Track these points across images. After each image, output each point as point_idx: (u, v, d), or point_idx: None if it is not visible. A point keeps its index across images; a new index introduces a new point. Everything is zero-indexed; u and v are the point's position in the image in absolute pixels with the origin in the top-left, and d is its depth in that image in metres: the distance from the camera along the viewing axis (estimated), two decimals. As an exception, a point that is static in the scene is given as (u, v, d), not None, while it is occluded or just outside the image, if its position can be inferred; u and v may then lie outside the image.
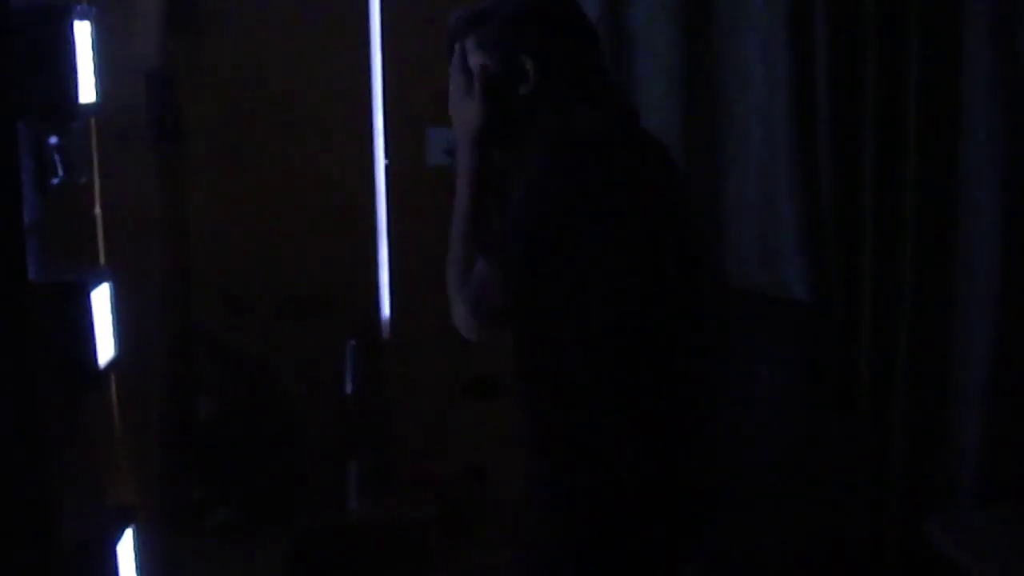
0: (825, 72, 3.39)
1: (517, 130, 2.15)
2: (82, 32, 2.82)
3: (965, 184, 3.43)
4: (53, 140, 2.84)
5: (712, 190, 3.52)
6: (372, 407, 3.95)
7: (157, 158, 3.79)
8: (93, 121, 3.18)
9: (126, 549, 3.06)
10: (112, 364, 3.03)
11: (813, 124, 3.42)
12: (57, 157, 2.85)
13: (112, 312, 3.00)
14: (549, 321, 2.08)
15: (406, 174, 3.95)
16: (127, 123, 3.42)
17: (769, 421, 3.41)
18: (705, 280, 2.30)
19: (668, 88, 3.46)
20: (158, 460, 3.77)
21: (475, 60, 2.14)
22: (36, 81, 2.68)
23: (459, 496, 4.04)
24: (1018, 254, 3.40)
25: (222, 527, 3.86)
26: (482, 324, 2.04)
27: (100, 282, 2.95)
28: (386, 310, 4.01)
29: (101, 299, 2.93)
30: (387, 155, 3.95)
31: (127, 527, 3.08)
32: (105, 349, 2.94)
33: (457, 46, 2.16)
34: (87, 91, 2.86)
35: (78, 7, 2.82)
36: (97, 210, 3.25)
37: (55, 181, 2.85)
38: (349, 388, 3.90)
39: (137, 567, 3.14)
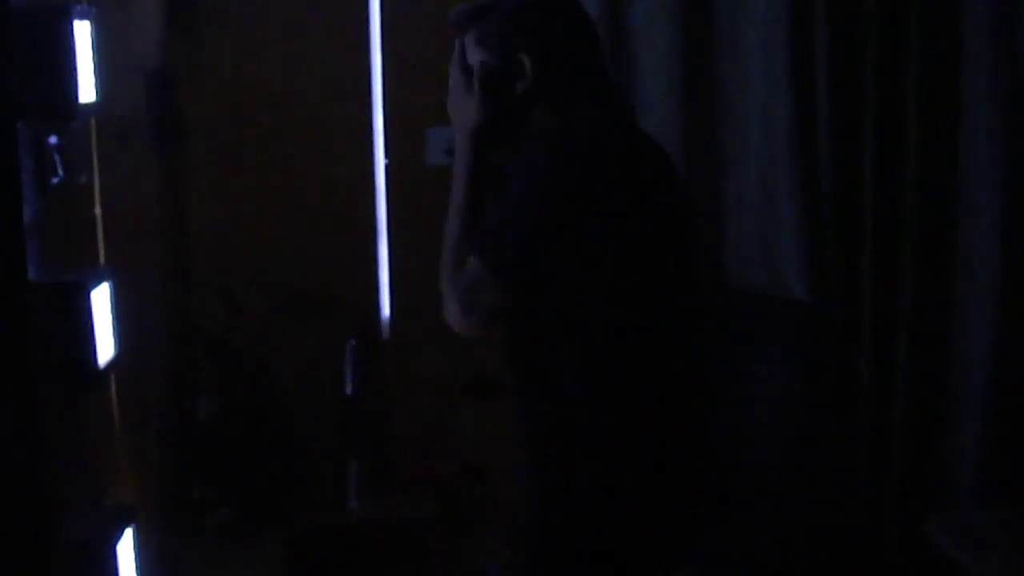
0: (825, 72, 3.39)
1: (514, 128, 2.14)
2: (82, 32, 2.82)
3: (965, 184, 3.42)
4: (53, 140, 2.84)
5: (712, 190, 3.52)
6: (372, 407, 3.95)
7: (157, 158, 3.79)
8: (93, 121, 3.18)
9: (126, 549, 3.06)
10: (112, 364, 3.03)
11: (813, 124, 3.42)
12: (57, 157, 2.85)
13: (112, 312, 3.00)
14: (542, 321, 2.07)
15: (406, 174, 3.95)
16: (127, 123, 3.42)
17: (769, 421, 3.41)
18: (702, 280, 2.30)
19: (668, 88, 3.46)
20: (158, 460, 3.78)
21: (474, 56, 2.14)
22: (36, 81, 2.69)
23: (459, 496, 4.04)
24: (1018, 254, 3.39)
25: (222, 527, 3.86)
26: (474, 322, 2.04)
27: (100, 282, 2.95)
28: (386, 310, 4.01)
29: (101, 299, 2.93)
30: (387, 155, 3.95)
31: (127, 527, 3.08)
32: (105, 349, 2.95)
33: (457, 42, 2.16)
34: (87, 91, 2.86)
35: (78, 7, 2.82)
36: (97, 210, 3.25)
37: (55, 181, 2.85)
38: (349, 388, 3.90)
39: (137, 567, 3.14)
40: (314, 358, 3.95)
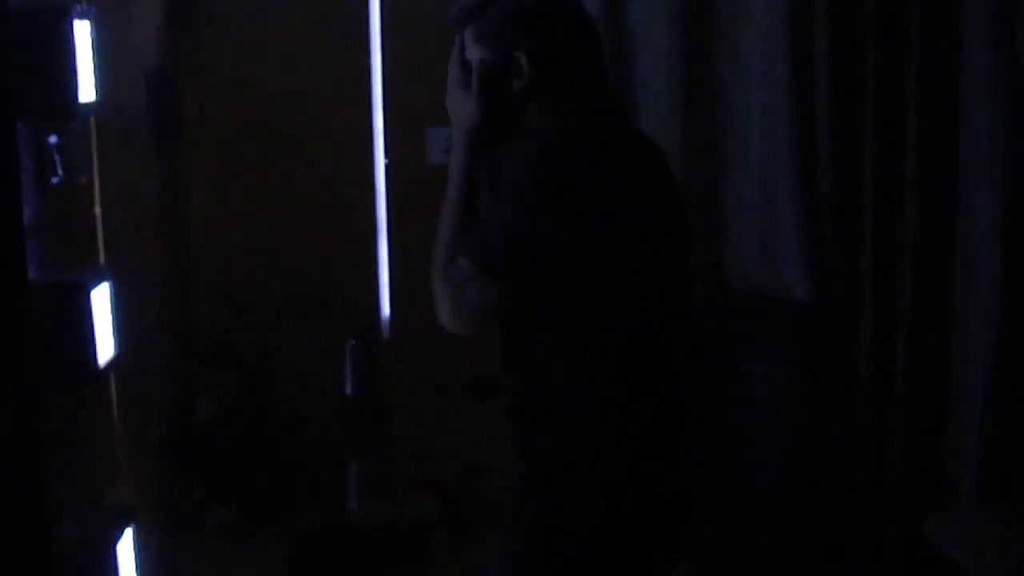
0: (825, 72, 3.39)
1: (511, 126, 2.14)
2: (82, 32, 2.82)
3: (965, 184, 3.43)
4: (53, 140, 2.84)
5: (712, 190, 3.52)
6: (372, 407, 3.95)
7: (157, 158, 3.79)
8: (93, 120, 3.18)
9: (126, 549, 3.06)
10: (112, 364, 3.04)
11: (813, 124, 3.42)
12: (57, 157, 2.85)
13: (112, 312, 3.01)
14: (533, 321, 2.07)
15: (406, 174, 3.95)
16: (127, 123, 3.42)
17: (769, 421, 3.41)
18: (693, 282, 2.29)
19: (668, 88, 3.46)
20: (158, 460, 3.78)
21: (472, 53, 2.13)
22: (36, 81, 2.69)
23: (459, 496, 4.04)
24: (1018, 254, 3.39)
25: (222, 527, 3.86)
26: (465, 320, 2.04)
27: (100, 282, 2.95)
28: (386, 310, 4.01)
29: (101, 299, 2.93)
30: (387, 155, 3.95)
31: (127, 527, 3.08)
32: (105, 349, 2.95)
33: (456, 39, 2.16)
34: (87, 91, 2.86)
35: (78, 7, 2.82)
36: (97, 210, 3.25)
37: (55, 181, 2.85)
38: (349, 388, 3.90)
39: (137, 567, 3.14)
40: (314, 358, 3.95)
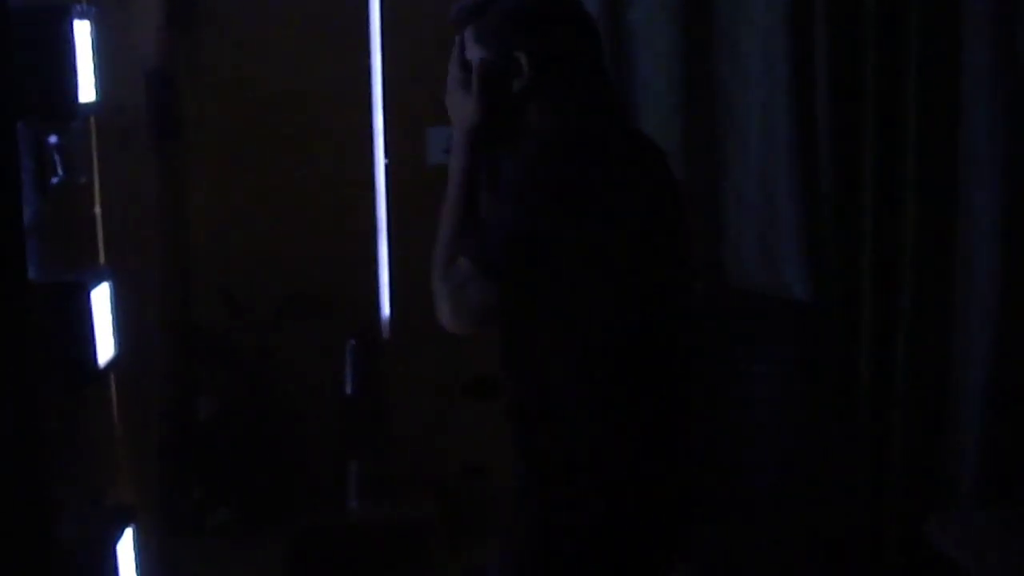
0: (825, 72, 3.39)
1: (511, 127, 2.13)
2: (82, 32, 2.82)
3: (965, 184, 3.43)
4: (53, 140, 2.84)
5: (712, 190, 3.52)
6: (372, 407, 3.95)
7: (157, 158, 3.79)
8: (93, 120, 3.18)
9: (126, 549, 3.06)
10: (112, 364, 3.04)
11: (813, 124, 3.42)
12: (57, 157, 2.85)
13: (112, 312, 3.01)
14: (532, 321, 2.07)
15: (406, 174, 3.95)
16: (127, 123, 3.42)
17: (769, 421, 3.41)
18: (693, 282, 2.29)
19: (668, 88, 3.46)
20: (158, 460, 3.78)
21: (472, 53, 2.13)
22: (36, 81, 2.69)
23: (459, 496, 4.04)
24: (1018, 254, 3.39)
25: (222, 527, 3.86)
26: (464, 320, 2.04)
27: (100, 282, 2.95)
28: (386, 310, 4.01)
29: (101, 299, 2.93)
30: (387, 155, 3.95)
31: (127, 527, 3.08)
32: (105, 348, 2.95)
33: (456, 39, 2.16)
34: (87, 90, 2.86)
35: (78, 7, 2.82)
36: (97, 210, 3.25)
37: (55, 181, 2.85)
38: (349, 388, 3.90)
39: (137, 567, 3.14)
40: (314, 358, 3.95)
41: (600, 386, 2.07)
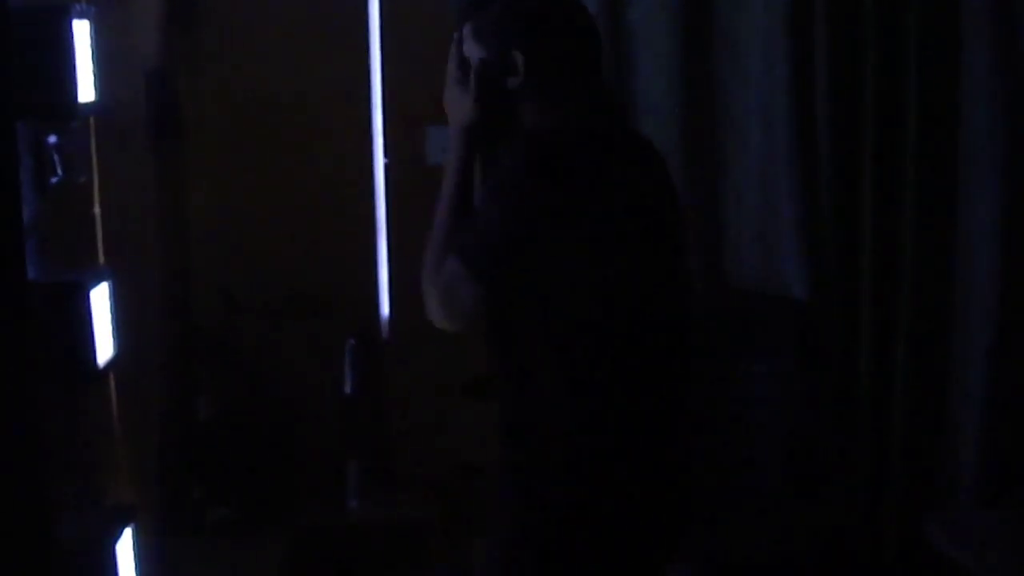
0: (825, 72, 3.39)
1: (506, 125, 2.13)
2: (81, 31, 2.82)
3: (965, 184, 3.42)
4: (52, 139, 2.84)
5: (712, 190, 3.52)
6: (372, 407, 3.94)
7: (156, 158, 3.79)
8: (92, 120, 3.18)
9: (126, 549, 3.06)
10: (111, 363, 3.04)
11: (813, 124, 3.42)
12: (56, 156, 2.85)
13: (111, 311, 3.01)
14: (521, 320, 2.07)
15: (406, 173, 3.94)
16: (126, 122, 3.42)
17: (769, 421, 3.41)
18: (689, 283, 2.28)
19: (668, 88, 3.45)
20: (158, 460, 3.77)
21: (470, 48, 2.13)
22: (35, 81, 2.69)
23: (459, 496, 4.03)
24: (1018, 254, 3.39)
25: (222, 526, 3.86)
26: (454, 318, 2.04)
27: (99, 281, 2.95)
28: (386, 310, 4.01)
29: (100, 298, 2.93)
30: (386, 154, 3.95)
31: (127, 527, 3.08)
32: (104, 348, 2.95)
33: (455, 35, 2.15)
34: (86, 90, 2.86)
35: (77, 6, 2.82)
36: (96, 209, 3.25)
37: (54, 180, 2.85)
38: (348, 388, 3.90)
39: (137, 567, 3.14)
40: (314, 358, 3.95)
41: (591, 387, 2.07)
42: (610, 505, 2.08)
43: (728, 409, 3.40)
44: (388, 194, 3.96)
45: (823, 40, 3.37)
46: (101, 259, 3.25)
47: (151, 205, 3.75)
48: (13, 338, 2.58)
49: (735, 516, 3.35)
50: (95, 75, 2.90)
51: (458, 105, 2.14)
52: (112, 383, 3.27)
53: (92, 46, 2.88)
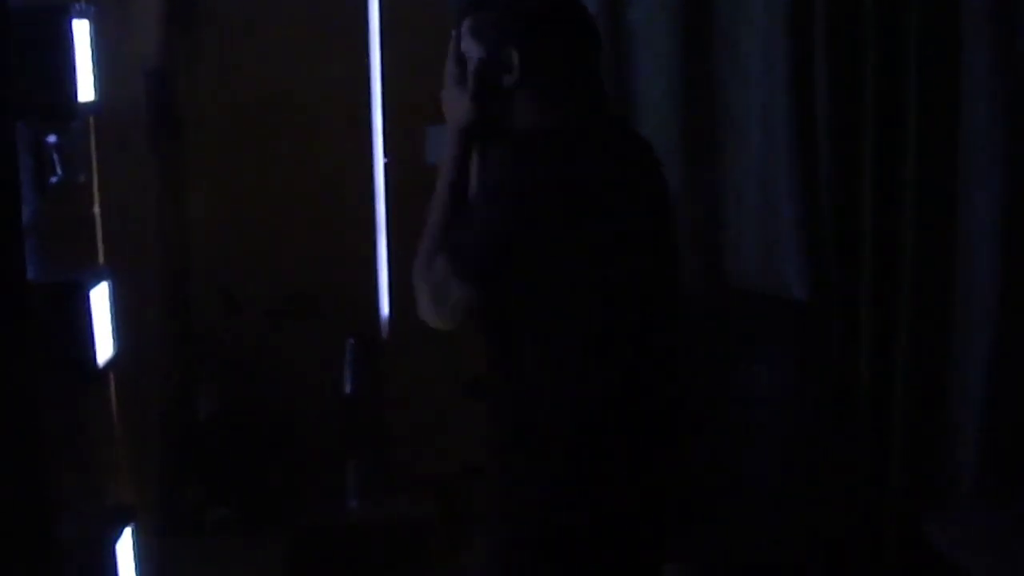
0: (825, 72, 3.39)
1: (501, 124, 2.13)
2: (81, 31, 2.82)
3: (965, 184, 3.42)
4: (52, 139, 2.84)
5: (712, 190, 3.52)
6: (372, 407, 3.95)
7: (156, 157, 3.79)
8: (92, 120, 3.18)
9: (126, 549, 3.06)
10: (111, 363, 3.04)
11: (813, 124, 3.42)
12: (56, 156, 2.85)
13: (111, 311, 3.01)
14: (511, 320, 2.06)
15: (406, 173, 3.94)
16: (126, 122, 3.42)
17: (769, 421, 3.40)
18: (678, 282, 2.27)
19: (668, 88, 3.45)
20: (158, 460, 3.78)
21: (467, 46, 2.13)
22: (35, 80, 2.69)
23: (459, 496, 4.03)
24: (1018, 254, 3.39)
25: (221, 526, 3.86)
26: (445, 317, 2.04)
27: (99, 281, 2.95)
28: (385, 309, 4.01)
29: (100, 298, 2.93)
30: (386, 153, 3.95)
31: (127, 527, 3.08)
32: (104, 348, 2.95)
33: (453, 32, 2.15)
34: (86, 90, 2.86)
35: (77, 6, 2.82)
36: (96, 209, 3.25)
37: (54, 180, 2.85)
38: (348, 388, 3.90)
39: (137, 567, 3.14)
40: (314, 358, 3.95)
41: (583, 387, 2.07)
42: (602, 504, 2.08)
43: (728, 409, 3.40)
44: (388, 194, 3.97)
45: (823, 40, 3.37)
46: (100, 259, 3.25)
47: (150, 205, 3.76)
48: (13, 338, 2.58)
49: (735, 516, 3.35)
50: (95, 75, 2.90)
51: (456, 104, 2.14)
52: (112, 383, 3.27)
53: (92, 46, 2.88)
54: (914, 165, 3.39)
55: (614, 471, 2.09)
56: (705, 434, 3.29)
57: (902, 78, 3.38)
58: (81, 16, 2.83)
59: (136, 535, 3.12)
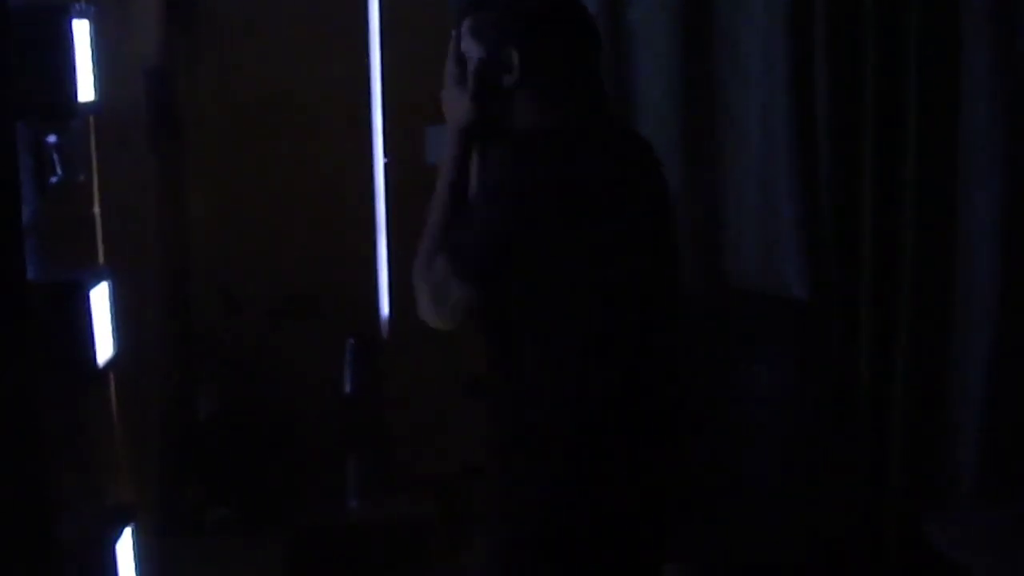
0: (825, 72, 3.39)
1: (501, 124, 2.12)
2: (81, 31, 2.82)
3: (965, 184, 3.42)
4: (52, 139, 2.84)
5: (712, 190, 3.52)
6: (371, 406, 3.95)
7: (156, 157, 3.79)
8: (92, 120, 3.18)
9: (126, 549, 3.06)
10: (111, 363, 3.04)
11: (813, 124, 3.42)
12: (56, 156, 2.85)
13: (111, 311, 3.00)
14: (510, 320, 2.06)
15: (406, 173, 3.94)
16: (126, 122, 3.42)
17: (769, 421, 3.40)
18: (677, 282, 2.27)
19: (668, 88, 3.45)
20: (158, 460, 3.78)
21: (467, 46, 2.13)
22: (35, 80, 2.69)
23: (459, 496, 4.03)
24: (1018, 254, 3.39)
25: (221, 526, 3.86)
26: (444, 316, 2.04)
27: (99, 281, 2.95)
28: (385, 309, 4.01)
29: (100, 298, 2.93)
30: (386, 153, 3.95)
31: (127, 527, 3.08)
32: (104, 348, 2.95)
33: (454, 32, 2.15)
34: (86, 90, 2.86)
35: (77, 6, 2.82)
36: (96, 209, 3.25)
37: (54, 180, 2.85)
38: (348, 387, 3.90)
39: (137, 567, 3.14)
40: (314, 358, 3.95)
41: (582, 387, 2.06)
42: (602, 504, 2.08)
43: (728, 409, 3.40)
44: (388, 194, 3.97)
45: (823, 40, 3.37)
46: (100, 258, 3.25)
47: (150, 205, 3.75)
48: (13, 338, 2.58)
49: (735, 516, 3.35)
50: (95, 75, 2.90)
51: (456, 104, 2.14)
52: (112, 383, 3.27)
53: (92, 46, 2.88)
54: (914, 165, 3.39)
55: (614, 471, 2.09)
56: (705, 434, 3.29)
57: (902, 78, 3.38)
58: (81, 16, 2.83)
59: (136, 535, 3.12)
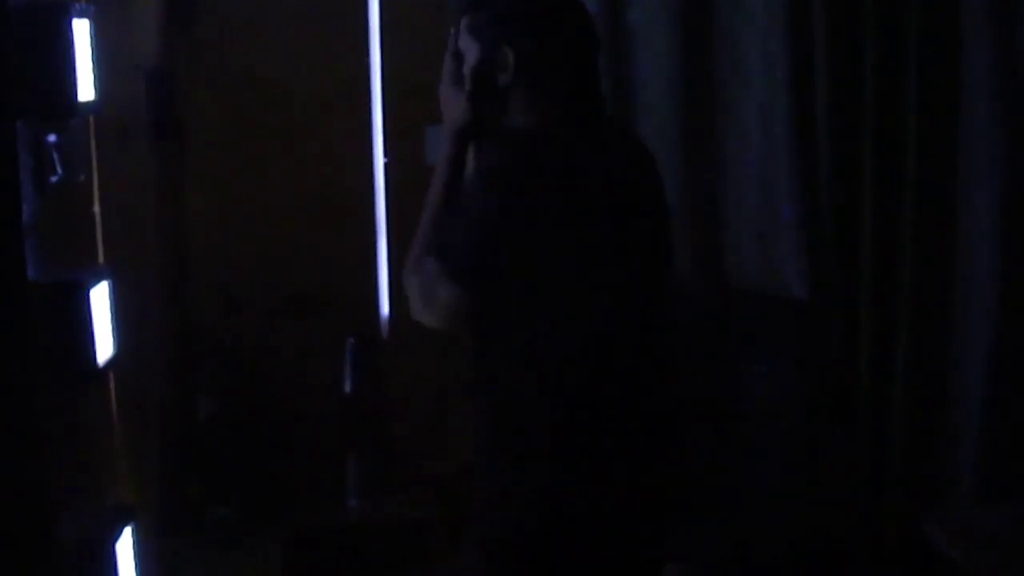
0: (825, 72, 3.39)
1: (496, 124, 2.12)
2: (81, 30, 2.82)
3: (965, 184, 3.42)
4: (52, 138, 2.84)
5: (712, 190, 3.52)
6: (371, 406, 3.95)
7: (156, 156, 3.79)
8: (92, 119, 3.18)
9: (126, 548, 3.06)
10: (111, 363, 3.03)
11: (813, 124, 3.42)
12: (56, 155, 2.85)
13: (111, 311, 3.00)
14: (499, 321, 2.06)
15: (406, 173, 3.94)
16: (126, 121, 3.43)
17: (769, 421, 3.41)
18: (669, 282, 2.27)
19: (668, 88, 3.45)
20: (158, 459, 3.78)
21: (465, 44, 2.13)
22: (35, 80, 2.69)
23: (459, 496, 4.03)
24: (1018, 254, 3.39)
25: (221, 526, 3.86)
26: (434, 317, 2.04)
27: (99, 281, 2.95)
28: (385, 309, 4.01)
29: (100, 298, 2.93)
30: (386, 154, 3.95)
31: (127, 526, 3.08)
32: (104, 348, 2.95)
33: (453, 30, 2.15)
34: (86, 89, 2.86)
35: (77, 5, 2.82)
36: (96, 208, 3.26)
37: (54, 179, 2.85)
38: (348, 387, 3.90)
39: (137, 567, 3.14)
40: (314, 357, 3.95)
41: (573, 388, 2.06)
42: (602, 504, 2.08)
43: (728, 409, 3.40)
44: (388, 194, 3.96)
45: (823, 40, 3.37)
46: (100, 258, 3.25)
47: (150, 204, 3.75)
48: (13, 338, 2.58)
49: (735, 515, 3.35)
50: (95, 74, 2.90)
51: (453, 103, 2.14)
52: (112, 383, 3.27)
53: (92, 46, 2.88)
54: (914, 165, 3.39)
55: (607, 471, 2.09)
56: (705, 434, 3.29)
57: (902, 78, 3.38)
58: (81, 16, 2.83)
59: (136, 535, 3.12)
